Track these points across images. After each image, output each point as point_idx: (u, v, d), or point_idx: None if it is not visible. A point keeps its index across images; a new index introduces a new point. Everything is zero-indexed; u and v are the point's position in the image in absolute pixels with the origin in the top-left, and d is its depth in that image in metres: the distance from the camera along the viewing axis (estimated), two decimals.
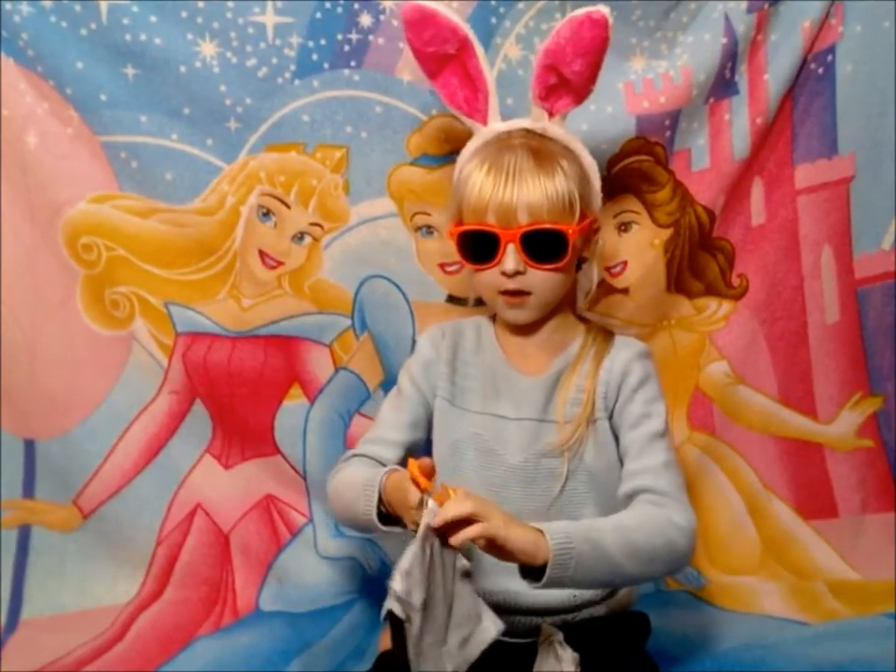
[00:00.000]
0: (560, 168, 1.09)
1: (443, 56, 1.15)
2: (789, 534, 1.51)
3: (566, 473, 1.13)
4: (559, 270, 1.10)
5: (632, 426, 1.12)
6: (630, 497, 1.08)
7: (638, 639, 1.16)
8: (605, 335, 1.18)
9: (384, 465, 1.13)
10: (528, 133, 1.13)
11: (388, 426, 1.19)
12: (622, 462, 1.13)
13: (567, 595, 1.10)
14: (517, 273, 1.08)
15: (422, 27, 1.14)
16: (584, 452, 1.13)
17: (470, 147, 1.16)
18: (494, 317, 1.21)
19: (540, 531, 0.96)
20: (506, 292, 1.11)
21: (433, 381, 1.19)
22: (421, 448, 1.20)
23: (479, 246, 1.10)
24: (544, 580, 0.95)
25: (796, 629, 1.36)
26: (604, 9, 1.08)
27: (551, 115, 1.14)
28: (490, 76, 1.16)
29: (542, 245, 1.08)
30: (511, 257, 1.08)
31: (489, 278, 1.11)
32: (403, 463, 1.12)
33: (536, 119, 1.15)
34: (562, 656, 1.01)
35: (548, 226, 1.07)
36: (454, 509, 0.91)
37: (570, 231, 1.08)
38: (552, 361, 1.16)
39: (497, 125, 1.16)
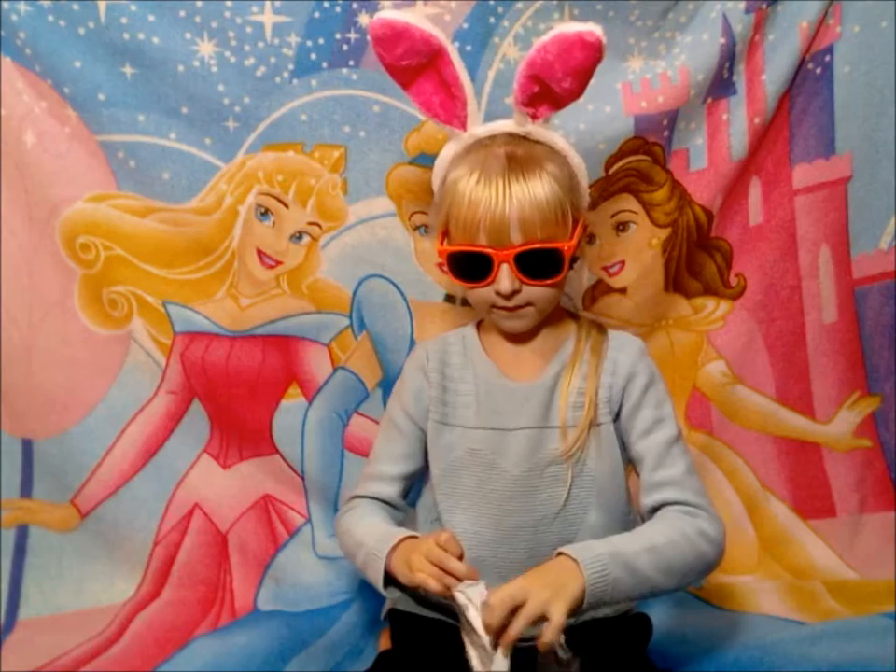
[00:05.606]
0: (549, 175, 1.03)
1: (417, 67, 1.08)
2: (787, 533, 1.51)
3: (570, 480, 1.10)
4: (555, 284, 1.07)
5: (645, 432, 1.10)
6: (655, 510, 1.08)
7: (639, 642, 1.15)
8: (598, 330, 1.15)
9: (389, 503, 1.16)
10: (512, 137, 1.07)
11: (385, 459, 1.18)
12: (630, 464, 1.12)
13: None
14: (514, 292, 1.04)
15: (393, 43, 1.05)
16: (587, 457, 1.10)
17: (449, 151, 1.11)
18: (479, 325, 1.17)
19: (574, 559, 0.96)
20: (503, 307, 1.07)
21: (424, 407, 1.15)
22: (421, 474, 1.21)
23: (471, 266, 1.06)
24: (584, 607, 0.96)
25: (794, 629, 1.35)
26: (597, 30, 1.00)
27: (534, 118, 1.08)
28: (468, 81, 1.09)
29: (537, 263, 1.04)
30: (505, 277, 1.03)
31: (484, 295, 1.07)
32: (405, 495, 1.18)
33: (519, 122, 1.08)
34: (563, 659, 1.00)
35: (543, 245, 1.03)
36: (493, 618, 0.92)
37: (566, 248, 1.05)
38: (546, 365, 1.12)
39: (477, 130, 1.09)
